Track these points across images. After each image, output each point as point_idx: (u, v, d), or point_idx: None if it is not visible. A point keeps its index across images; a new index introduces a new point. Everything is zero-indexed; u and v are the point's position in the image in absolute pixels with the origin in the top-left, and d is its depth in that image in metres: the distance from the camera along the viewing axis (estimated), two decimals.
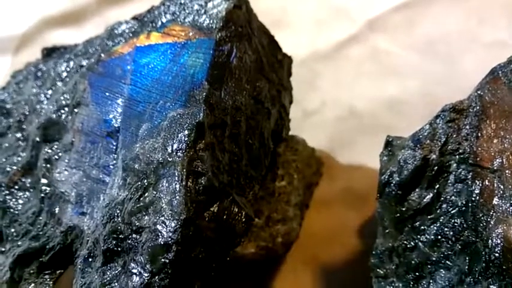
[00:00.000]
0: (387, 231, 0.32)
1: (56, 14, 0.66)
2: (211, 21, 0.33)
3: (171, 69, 0.32)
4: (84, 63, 0.36)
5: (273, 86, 0.36)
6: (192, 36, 0.33)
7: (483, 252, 0.28)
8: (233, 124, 0.30)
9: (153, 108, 0.30)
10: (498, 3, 0.55)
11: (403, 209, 0.32)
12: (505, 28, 0.54)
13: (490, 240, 0.28)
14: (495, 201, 0.29)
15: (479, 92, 0.33)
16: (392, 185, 0.32)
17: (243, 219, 0.30)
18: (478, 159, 0.30)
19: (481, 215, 0.29)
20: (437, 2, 0.58)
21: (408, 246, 0.31)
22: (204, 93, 0.29)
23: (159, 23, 0.35)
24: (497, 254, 0.27)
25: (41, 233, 0.33)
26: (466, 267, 0.29)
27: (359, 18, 0.58)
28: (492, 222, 0.28)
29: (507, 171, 0.29)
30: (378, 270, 0.32)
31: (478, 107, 0.32)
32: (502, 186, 0.29)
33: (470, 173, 0.30)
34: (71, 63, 0.37)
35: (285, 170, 0.40)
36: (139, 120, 0.30)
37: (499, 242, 0.28)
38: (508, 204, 0.29)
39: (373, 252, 0.33)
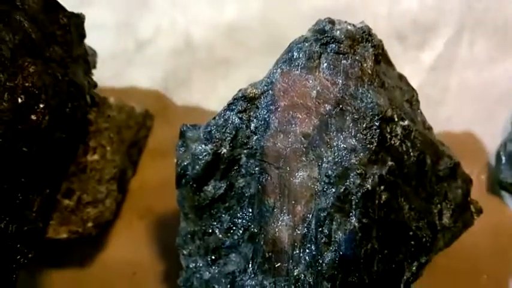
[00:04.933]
0: (188, 216, 0.35)
1: None
2: None
3: None
4: None
5: (54, 65, 0.33)
6: None
7: (262, 248, 0.31)
8: None
9: None
10: None
11: (200, 198, 0.34)
12: None
13: (266, 237, 0.31)
14: (276, 198, 0.32)
15: (271, 78, 0.32)
16: (187, 177, 0.34)
17: (28, 235, 0.31)
18: (264, 154, 0.32)
19: (264, 210, 0.32)
20: None
21: (207, 231, 0.34)
22: None
23: None
24: (270, 253, 0.31)
25: None
26: (250, 256, 0.32)
27: None
28: (271, 220, 0.31)
29: (288, 168, 0.31)
30: (183, 249, 0.36)
31: (269, 97, 0.32)
32: (282, 184, 0.31)
33: (257, 168, 0.32)
34: None
35: (97, 141, 0.39)
36: None
37: (271, 241, 0.31)
38: (284, 203, 0.31)
39: (179, 234, 0.36)
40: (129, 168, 0.43)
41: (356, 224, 0.29)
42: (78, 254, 0.44)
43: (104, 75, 0.49)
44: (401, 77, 0.35)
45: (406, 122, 0.31)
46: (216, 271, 0.34)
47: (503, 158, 0.40)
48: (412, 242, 0.31)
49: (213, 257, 0.34)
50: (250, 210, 0.33)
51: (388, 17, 0.47)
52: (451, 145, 0.44)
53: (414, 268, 0.31)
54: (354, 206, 0.29)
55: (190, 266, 0.35)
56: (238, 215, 0.33)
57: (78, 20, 0.36)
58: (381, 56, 0.33)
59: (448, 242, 0.34)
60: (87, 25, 0.52)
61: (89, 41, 0.51)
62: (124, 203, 0.46)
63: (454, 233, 0.34)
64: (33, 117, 0.32)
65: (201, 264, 0.35)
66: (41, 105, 0.32)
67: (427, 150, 0.33)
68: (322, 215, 0.30)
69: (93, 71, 0.45)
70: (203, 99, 0.48)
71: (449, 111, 0.45)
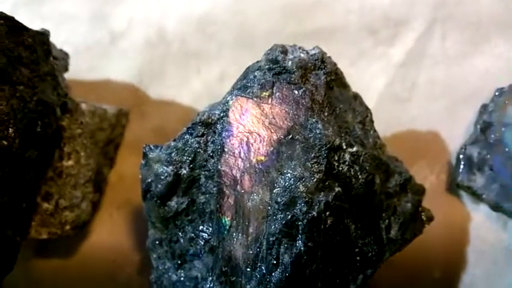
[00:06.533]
0: (156, 225, 0.38)
1: None
2: None
3: None
4: None
5: (22, 87, 0.35)
6: None
7: (220, 262, 0.35)
8: None
9: None
10: None
11: (165, 211, 0.37)
12: None
13: (224, 252, 0.35)
14: (232, 217, 0.35)
15: (227, 105, 0.34)
16: (152, 193, 0.37)
17: (7, 250, 0.35)
18: (221, 177, 0.34)
19: (222, 227, 0.35)
20: None
21: (173, 239, 0.38)
22: None
23: None
24: (226, 268, 0.35)
25: None
26: (210, 266, 0.36)
27: None
28: (227, 237, 0.35)
29: (242, 191, 0.34)
30: (152, 252, 0.39)
31: (224, 123, 0.34)
32: (237, 205, 0.34)
33: (215, 188, 0.35)
34: None
35: (72, 147, 0.42)
36: None
37: (227, 256, 0.34)
38: (239, 223, 0.34)
39: (148, 238, 0.39)
40: (106, 166, 0.46)
41: (302, 248, 0.32)
42: (63, 242, 0.48)
43: (78, 69, 0.51)
44: (355, 97, 0.36)
45: (354, 148, 0.33)
46: (182, 274, 0.38)
47: (462, 162, 0.42)
48: (358, 258, 0.34)
49: (179, 262, 0.38)
50: (211, 224, 0.36)
51: (360, 11, 0.47)
52: (415, 143, 0.47)
53: (360, 281, 0.35)
54: (300, 231, 0.32)
55: (160, 267, 0.39)
56: (200, 228, 0.36)
57: (43, 37, 0.38)
58: (334, 81, 0.34)
59: (394, 252, 0.37)
60: (61, 16, 0.53)
61: (62, 33, 0.52)
62: (103, 195, 0.49)
63: (402, 244, 0.37)
64: (4, 142, 0.34)
65: (169, 267, 0.39)
66: (11, 130, 0.35)
67: (376, 171, 0.35)
68: (271, 239, 0.33)
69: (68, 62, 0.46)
70: (177, 92, 0.50)
71: (415, 109, 0.46)
